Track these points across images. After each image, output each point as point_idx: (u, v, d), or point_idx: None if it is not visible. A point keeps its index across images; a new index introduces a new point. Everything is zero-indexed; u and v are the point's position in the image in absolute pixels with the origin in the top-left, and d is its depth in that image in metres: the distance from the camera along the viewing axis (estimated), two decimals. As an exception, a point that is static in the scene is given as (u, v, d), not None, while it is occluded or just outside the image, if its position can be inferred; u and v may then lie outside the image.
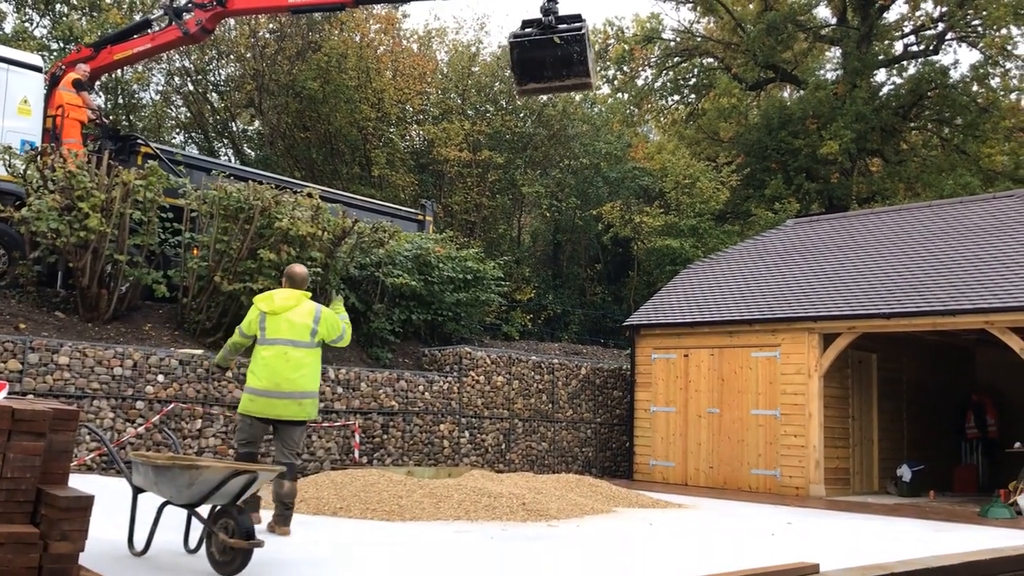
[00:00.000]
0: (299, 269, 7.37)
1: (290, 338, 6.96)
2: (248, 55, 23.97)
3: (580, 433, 15.76)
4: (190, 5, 14.43)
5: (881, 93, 29.22)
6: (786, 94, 32.95)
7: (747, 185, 27.57)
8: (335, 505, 8.81)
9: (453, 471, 12.15)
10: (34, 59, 13.35)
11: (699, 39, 32.36)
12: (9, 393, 8.86)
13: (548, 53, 10.28)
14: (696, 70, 33.83)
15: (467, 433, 13.94)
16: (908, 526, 10.14)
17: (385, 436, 12.89)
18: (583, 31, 10.73)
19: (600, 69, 33.69)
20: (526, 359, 15.21)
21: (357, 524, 8.20)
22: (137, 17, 21.64)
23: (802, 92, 29.56)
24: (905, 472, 14.24)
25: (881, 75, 30.25)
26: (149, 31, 15.27)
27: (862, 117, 26.27)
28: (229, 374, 11.19)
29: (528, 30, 10.44)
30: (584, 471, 15.15)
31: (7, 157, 11.53)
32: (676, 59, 32.96)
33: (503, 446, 14.45)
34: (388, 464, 12.61)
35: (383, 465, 12.45)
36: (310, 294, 7.36)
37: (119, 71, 22.77)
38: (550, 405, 15.32)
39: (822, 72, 31.91)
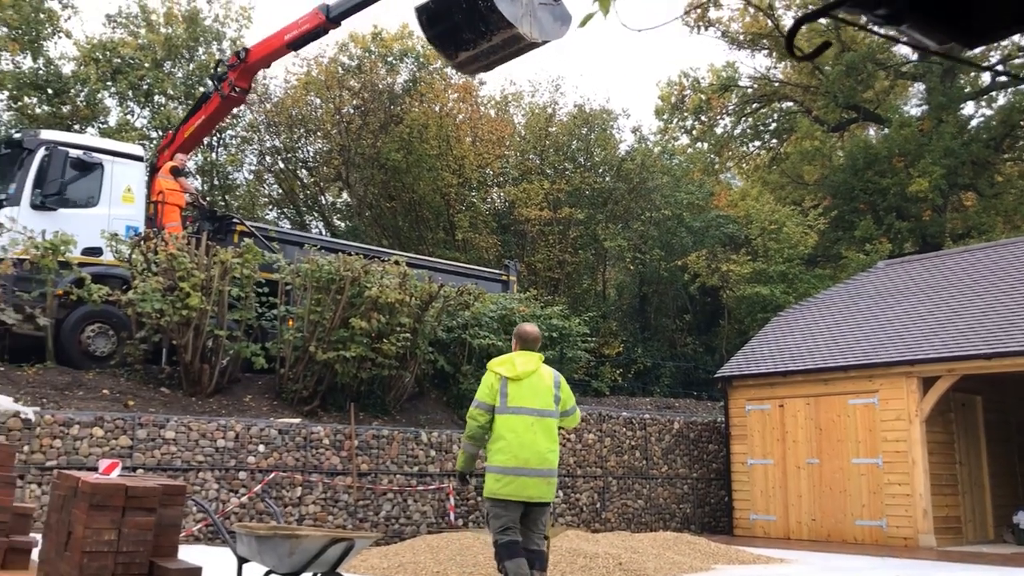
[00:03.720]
0: (532, 328, 6.55)
1: (536, 407, 6.18)
2: (334, 131, 24.91)
3: (676, 489, 15.53)
4: (224, 71, 15.15)
5: (970, 126, 28.50)
6: (871, 132, 32.43)
7: (836, 228, 27.09)
8: (432, 569, 8.90)
9: (548, 531, 12.11)
10: (136, 149, 14.20)
11: (777, 84, 32.22)
12: (121, 469, 9.29)
13: (455, 12, 9.08)
14: (776, 115, 33.63)
15: (561, 492, 13.90)
16: (1027, 577, 9.67)
17: (480, 498, 12.96)
18: None
19: (677, 120, 33.86)
20: (617, 415, 15.14)
21: (454, 588, 8.25)
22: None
23: (886, 130, 29.04)
24: (1022, 519, 13.58)
25: (969, 108, 29.56)
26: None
27: (951, 152, 25.63)
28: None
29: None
30: (682, 528, 14.90)
31: (114, 243, 12.23)
32: (754, 105, 32.86)
33: (598, 505, 14.34)
34: (483, 527, 12.65)
35: (479, 528, 12.50)
36: (543, 356, 6.56)
37: (213, 153, 23.96)
38: (644, 461, 15.18)
39: (906, 109, 31.33)
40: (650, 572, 8.98)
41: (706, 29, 30.85)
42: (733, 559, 10.54)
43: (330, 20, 13.72)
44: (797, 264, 23.13)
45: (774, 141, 33.61)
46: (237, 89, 14.83)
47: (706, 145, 33.02)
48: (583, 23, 2.83)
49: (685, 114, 33.14)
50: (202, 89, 17.37)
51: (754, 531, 14.71)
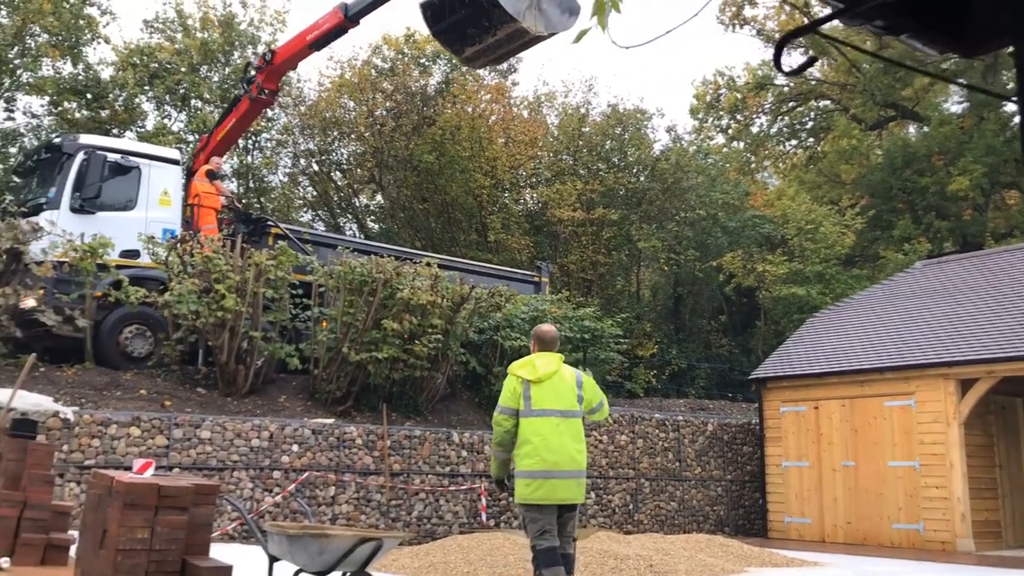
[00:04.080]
0: (549, 329, 6.55)
1: (560, 408, 6.13)
2: (367, 133, 25.07)
3: (710, 491, 15.43)
4: (252, 73, 15.29)
5: (1013, 123, 27.98)
6: (910, 131, 31.99)
7: (874, 227, 26.75)
8: (463, 570, 8.93)
9: (579, 533, 12.09)
10: (172, 153, 14.41)
11: (813, 82, 31.90)
12: (156, 468, 9.44)
13: (458, 8, 9.03)
14: (812, 113, 33.31)
15: (592, 494, 13.87)
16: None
17: (511, 499, 12.95)
18: None
19: (712, 119, 33.66)
20: (649, 417, 15.08)
21: (485, 588, 8.28)
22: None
23: (926, 129, 28.64)
24: (1064, 523, 13.33)
25: (1012, 104, 29.02)
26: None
27: (993, 150, 25.21)
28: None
29: None
30: (716, 530, 14.80)
31: (151, 246, 12.43)
32: (791, 103, 32.57)
33: (630, 506, 14.30)
34: (515, 527, 12.67)
35: (510, 528, 12.52)
36: (563, 356, 6.51)
37: (248, 156, 24.24)
38: (677, 463, 15.10)
39: (946, 106, 30.87)
40: (681, 574, 8.94)
41: (741, 27, 30.68)
42: (766, 562, 10.46)
43: (349, 19, 13.81)
44: (834, 264, 22.88)
45: (811, 140, 33.29)
46: (265, 91, 15.00)
47: (742, 144, 32.79)
48: (577, 39, 2.82)
49: (720, 113, 32.94)
50: (237, 92, 17.60)
51: (788, 534, 14.58)
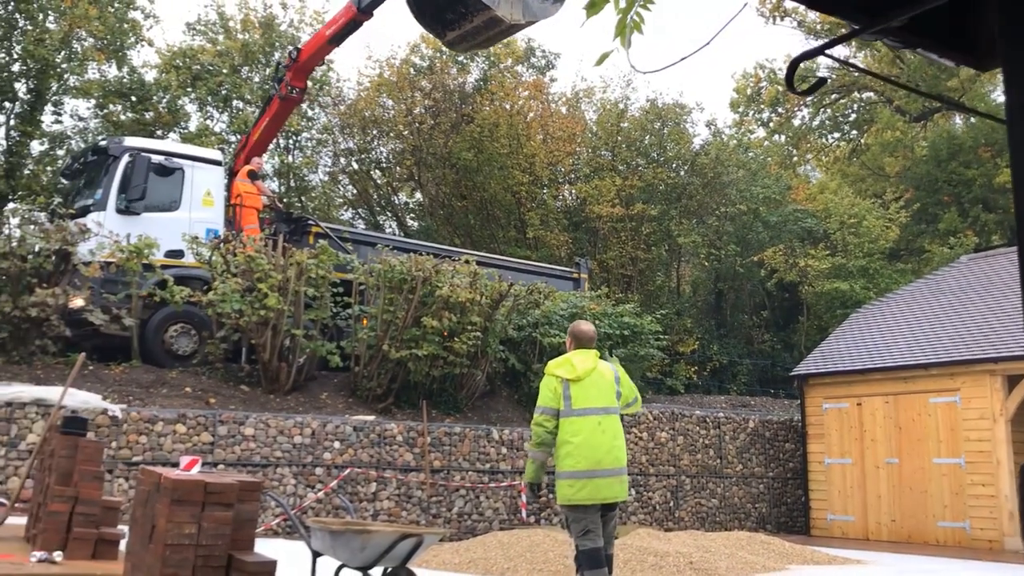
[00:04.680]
0: (587, 326, 6.50)
1: (600, 405, 6.08)
2: (406, 132, 25.22)
3: (752, 488, 15.33)
4: (282, 72, 15.48)
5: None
6: (956, 122, 31.43)
7: (918, 221, 26.38)
8: (503, 566, 8.98)
9: (620, 530, 12.09)
10: (214, 154, 14.62)
11: (856, 74, 31.45)
12: (202, 465, 9.62)
13: None
14: (856, 105, 32.86)
15: (633, 491, 13.85)
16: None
17: (551, 496, 13.00)
18: None
19: (753, 113, 33.34)
20: (690, 413, 15.02)
21: (525, 585, 8.32)
22: (304, 105, 23.30)
23: (972, 120, 28.12)
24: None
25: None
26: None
27: (1042, 140, 24.67)
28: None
29: None
30: (758, 528, 14.71)
31: (194, 246, 12.63)
32: (833, 96, 32.15)
33: (671, 504, 14.25)
34: (555, 524, 12.70)
35: (550, 525, 12.56)
36: (599, 352, 6.46)
37: (289, 156, 24.51)
38: (718, 460, 15.02)
39: (993, 96, 30.27)
40: (722, 571, 8.91)
41: (781, 19, 30.31)
42: (808, 559, 10.38)
43: (361, 11, 13.98)
44: (878, 259, 22.60)
45: (854, 132, 32.86)
46: (295, 89, 15.19)
47: (783, 138, 32.48)
48: (599, 62, 2.82)
49: (761, 106, 32.63)
50: (270, 92, 17.86)
51: (832, 531, 14.44)
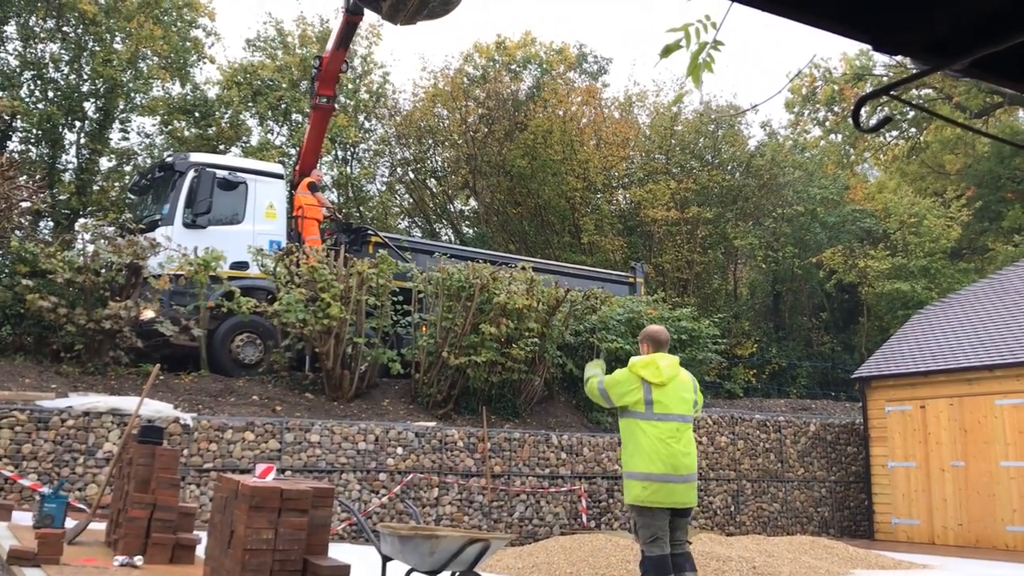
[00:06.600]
0: (663, 330, 6.46)
1: (680, 412, 6.11)
2: (460, 141, 25.48)
3: (814, 492, 15.19)
4: (314, 84, 15.91)
5: None
6: (1020, 116, 30.67)
7: (981, 219, 25.82)
8: (566, 570, 9.07)
9: (681, 534, 12.09)
10: (276, 168, 14.99)
11: (914, 71, 30.87)
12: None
13: None
14: (915, 103, 32.22)
15: (693, 495, 13.81)
16: None
17: (611, 500, 13.06)
18: None
19: (809, 112, 32.93)
20: (749, 418, 14.94)
21: (587, 589, 8.39)
22: (361, 118, 23.70)
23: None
24: None
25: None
26: None
27: (1110, 133, 24.04)
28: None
29: None
30: (820, 532, 14.57)
31: (259, 258, 12.97)
32: (891, 94, 31.56)
33: (732, 508, 14.20)
34: (616, 528, 12.75)
35: (611, 530, 12.60)
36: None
37: (347, 167, 24.91)
38: (779, 464, 14.92)
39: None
40: (785, 576, 8.89)
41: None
42: (872, 564, 10.28)
43: (351, 13, 14.77)
44: (939, 258, 22.19)
45: (912, 130, 32.24)
46: (324, 98, 15.55)
47: (840, 137, 32.02)
48: (675, 102, 2.92)
49: (817, 106, 32.23)
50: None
51: (896, 536, 14.24)
